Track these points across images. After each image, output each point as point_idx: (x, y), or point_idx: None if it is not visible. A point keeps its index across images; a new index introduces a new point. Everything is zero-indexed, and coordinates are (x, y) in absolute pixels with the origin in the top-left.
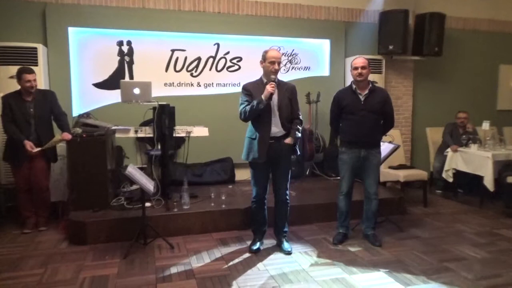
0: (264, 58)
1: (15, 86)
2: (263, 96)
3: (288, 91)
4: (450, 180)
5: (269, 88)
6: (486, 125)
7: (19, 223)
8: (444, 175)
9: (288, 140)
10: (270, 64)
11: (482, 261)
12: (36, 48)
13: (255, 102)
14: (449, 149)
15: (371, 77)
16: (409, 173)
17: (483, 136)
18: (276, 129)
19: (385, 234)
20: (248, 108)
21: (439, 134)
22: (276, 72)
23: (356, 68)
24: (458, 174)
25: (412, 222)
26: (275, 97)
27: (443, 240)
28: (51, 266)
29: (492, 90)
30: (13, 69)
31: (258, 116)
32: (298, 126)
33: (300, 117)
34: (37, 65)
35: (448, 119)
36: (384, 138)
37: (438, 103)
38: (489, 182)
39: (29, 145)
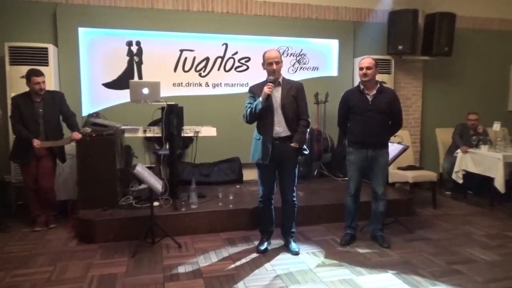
0: (263, 60)
1: (26, 86)
2: (260, 97)
3: (293, 89)
4: (460, 181)
5: (265, 89)
6: (497, 126)
7: (29, 221)
8: (453, 176)
9: (293, 144)
10: (268, 66)
11: (492, 264)
12: (46, 48)
13: (254, 104)
14: (459, 150)
15: (380, 77)
16: (418, 174)
17: (493, 137)
18: (280, 129)
19: (394, 236)
20: (248, 110)
21: (448, 135)
22: (274, 72)
23: (361, 69)
24: (468, 175)
25: (421, 224)
26: (277, 96)
27: (452, 242)
28: (60, 264)
29: (503, 90)
30: (24, 69)
31: (260, 117)
32: (304, 129)
33: (308, 118)
34: (47, 65)
35: (458, 119)
36: (393, 138)
37: (448, 103)
38: (499, 184)
39: (36, 142)
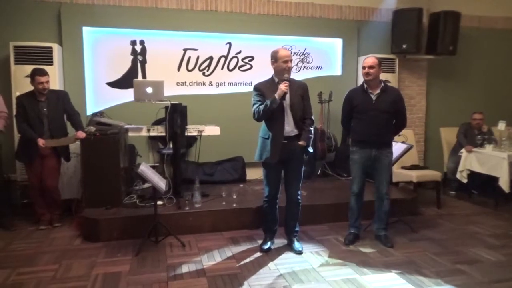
0: (275, 59)
1: (30, 85)
2: (276, 95)
3: (299, 89)
4: (464, 181)
5: (282, 87)
6: (502, 125)
7: (34, 219)
8: (458, 175)
9: (301, 143)
10: (284, 63)
11: (497, 264)
12: (51, 47)
13: (268, 102)
14: (463, 150)
15: (384, 76)
16: (422, 174)
17: (498, 137)
18: (289, 128)
19: (397, 235)
20: (261, 107)
21: (453, 134)
22: (290, 70)
23: (364, 68)
24: (472, 175)
25: (425, 223)
26: (287, 96)
27: (456, 242)
28: (65, 262)
29: (508, 89)
30: (29, 68)
31: (271, 115)
32: (310, 128)
33: (312, 116)
34: (52, 65)
35: (463, 119)
36: (397, 138)
37: (452, 102)
38: (504, 183)
39: (41, 142)
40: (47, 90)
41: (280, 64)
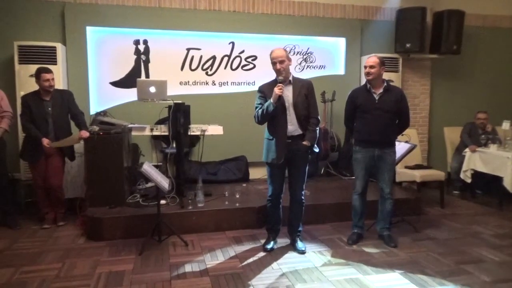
0: (271, 62)
1: (35, 85)
2: (271, 99)
3: (304, 87)
4: (468, 180)
5: (276, 90)
6: (506, 125)
7: (38, 218)
8: (462, 175)
9: (305, 143)
10: (273, 65)
11: (501, 264)
12: (55, 47)
13: (265, 106)
14: (467, 149)
15: (388, 75)
16: (425, 173)
17: (503, 136)
18: (293, 127)
19: (401, 235)
20: (260, 111)
21: (457, 134)
22: (279, 71)
23: (365, 67)
24: (476, 174)
25: (429, 223)
26: (289, 95)
27: (460, 242)
28: (68, 260)
29: None
30: (33, 68)
31: (273, 117)
32: (315, 127)
33: (318, 116)
34: (56, 64)
35: (467, 118)
36: (400, 137)
37: (456, 102)
38: (509, 183)
39: (46, 141)
40: (53, 88)
41: (272, 66)
